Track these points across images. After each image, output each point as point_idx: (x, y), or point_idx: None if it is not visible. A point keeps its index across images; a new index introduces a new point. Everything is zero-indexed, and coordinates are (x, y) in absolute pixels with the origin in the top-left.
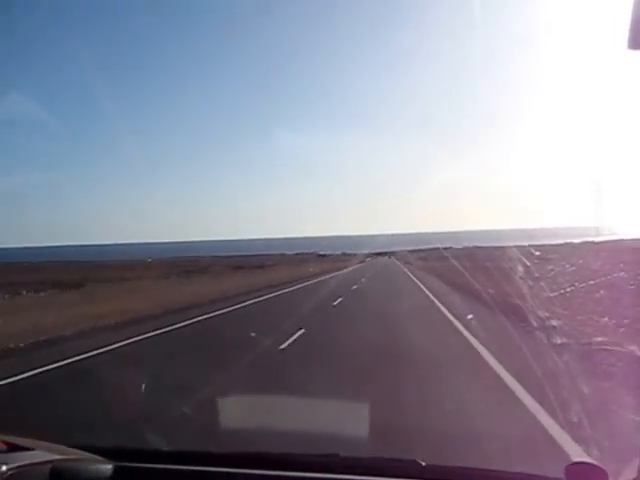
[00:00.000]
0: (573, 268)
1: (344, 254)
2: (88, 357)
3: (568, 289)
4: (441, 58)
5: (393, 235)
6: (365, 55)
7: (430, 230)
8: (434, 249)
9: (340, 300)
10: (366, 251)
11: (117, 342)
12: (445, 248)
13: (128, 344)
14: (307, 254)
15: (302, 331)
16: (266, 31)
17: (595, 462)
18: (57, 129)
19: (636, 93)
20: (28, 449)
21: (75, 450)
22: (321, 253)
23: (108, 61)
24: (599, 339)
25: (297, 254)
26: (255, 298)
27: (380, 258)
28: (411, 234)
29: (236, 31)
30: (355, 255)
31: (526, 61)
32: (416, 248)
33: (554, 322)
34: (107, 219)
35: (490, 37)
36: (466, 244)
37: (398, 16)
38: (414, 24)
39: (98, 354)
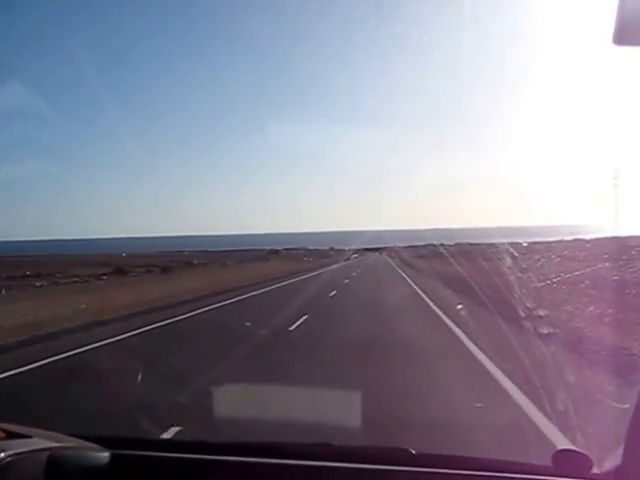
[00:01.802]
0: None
1: (332, 249)
2: None
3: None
4: (437, 52)
5: (384, 231)
6: (358, 48)
7: (421, 227)
8: (427, 245)
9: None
10: (355, 247)
11: None
12: (435, 245)
13: None
14: (260, 250)
15: None
16: (260, 25)
17: (581, 450)
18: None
19: (621, 88)
20: (26, 436)
21: (72, 438)
22: (276, 248)
23: (105, 54)
24: None
25: (248, 250)
26: None
27: (370, 254)
28: (402, 230)
29: (233, 26)
30: (343, 251)
31: (519, 56)
32: (408, 244)
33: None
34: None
35: (486, 31)
36: (458, 241)
37: (394, 10)
38: (411, 18)
39: None
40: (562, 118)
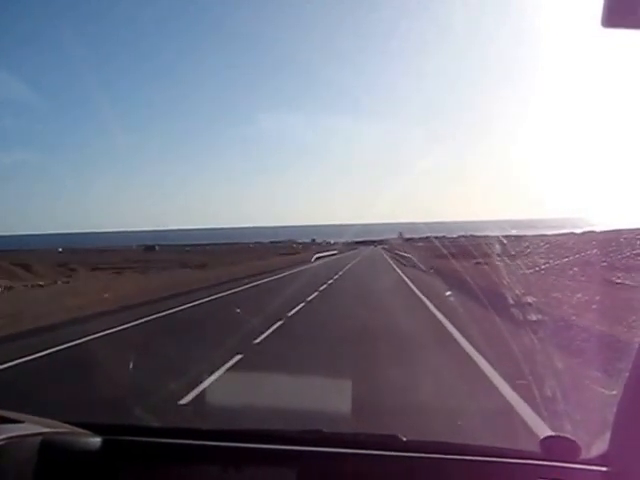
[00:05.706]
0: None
1: (313, 241)
2: None
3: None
4: (434, 46)
5: (379, 224)
6: (350, 39)
7: (420, 220)
8: (426, 238)
9: None
10: (345, 240)
11: None
12: (436, 237)
13: None
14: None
15: None
16: (260, 20)
17: (568, 435)
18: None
19: (610, 72)
20: (18, 422)
21: (64, 424)
22: (151, 244)
23: (101, 49)
24: None
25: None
26: None
27: (361, 249)
28: (398, 223)
29: (233, 21)
30: (325, 244)
31: (511, 53)
32: (409, 237)
33: None
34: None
35: (479, 28)
36: (462, 233)
37: (394, 2)
38: (412, 12)
39: None
40: (561, 108)
